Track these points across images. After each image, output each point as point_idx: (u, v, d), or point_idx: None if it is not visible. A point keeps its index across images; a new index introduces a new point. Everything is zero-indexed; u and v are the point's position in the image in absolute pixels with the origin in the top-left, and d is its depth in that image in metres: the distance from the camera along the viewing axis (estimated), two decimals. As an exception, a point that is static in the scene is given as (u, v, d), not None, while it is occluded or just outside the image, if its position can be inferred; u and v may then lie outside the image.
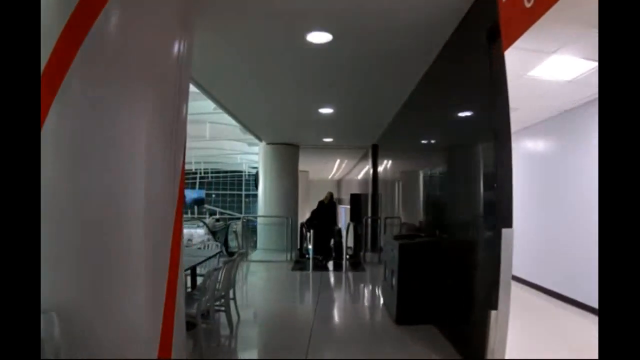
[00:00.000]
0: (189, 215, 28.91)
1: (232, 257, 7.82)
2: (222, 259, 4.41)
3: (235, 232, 8.41)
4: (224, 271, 3.68)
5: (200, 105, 10.47)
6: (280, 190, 9.83)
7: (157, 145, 2.01)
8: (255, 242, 9.60)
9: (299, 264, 7.76)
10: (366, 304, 5.28)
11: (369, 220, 8.97)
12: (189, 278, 4.10)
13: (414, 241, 4.06)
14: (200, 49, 3.42)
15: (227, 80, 5.02)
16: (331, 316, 4.56)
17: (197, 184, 31.11)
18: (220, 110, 9.38)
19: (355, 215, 12.43)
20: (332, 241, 8.43)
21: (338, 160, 13.17)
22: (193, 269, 4.21)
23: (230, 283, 3.90)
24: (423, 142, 5.10)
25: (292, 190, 10.03)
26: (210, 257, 4.20)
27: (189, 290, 3.91)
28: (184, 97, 2.27)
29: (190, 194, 26.52)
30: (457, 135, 3.67)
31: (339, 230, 8.70)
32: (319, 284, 6.09)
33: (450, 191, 3.84)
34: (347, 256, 8.07)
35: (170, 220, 2.08)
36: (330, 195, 8.89)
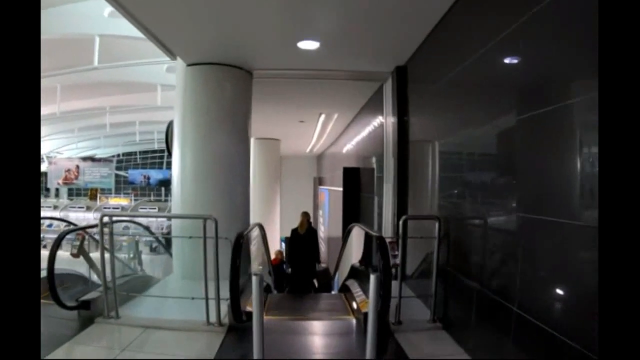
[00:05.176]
0: (153, 198, 24.28)
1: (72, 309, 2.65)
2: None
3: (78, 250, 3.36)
4: None
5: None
6: (214, 163, 4.90)
7: None
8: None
9: (230, 344, 2.96)
10: None
11: (402, 224, 4.07)
12: None
13: None
14: None
15: None
16: None
17: (165, 163, 28.06)
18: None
19: (351, 208, 7.27)
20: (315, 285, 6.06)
21: (323, 116, 8.08)
22: None
23: None
24: None
25: (237, 163, 5.11)
26: None
27: None
28: None
29: (155, 175, 21.94)
30: None
31: (326, 270, 6.45)
32: None
33: None
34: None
35: None
36: (307, 218, 6.01)
